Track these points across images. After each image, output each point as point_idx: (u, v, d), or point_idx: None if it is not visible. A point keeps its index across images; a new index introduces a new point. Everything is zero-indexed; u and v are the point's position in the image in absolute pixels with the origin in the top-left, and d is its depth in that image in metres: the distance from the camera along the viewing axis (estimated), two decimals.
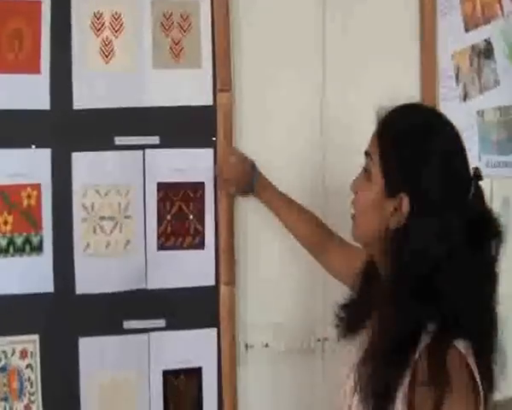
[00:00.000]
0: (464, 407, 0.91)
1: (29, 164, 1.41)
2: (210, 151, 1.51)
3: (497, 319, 0.98)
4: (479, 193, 0.96)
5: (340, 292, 1.21)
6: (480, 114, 1.71)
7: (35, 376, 1.44)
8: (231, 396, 1.55)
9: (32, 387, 1.44)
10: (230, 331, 1.54)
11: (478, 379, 0.92)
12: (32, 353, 1.44)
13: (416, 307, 0.93)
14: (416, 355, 0.92)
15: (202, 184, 1.51)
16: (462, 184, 0.96)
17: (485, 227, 0.95)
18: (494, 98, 1.73)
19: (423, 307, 0.93)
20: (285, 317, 1.57)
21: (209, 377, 1.54)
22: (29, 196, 1.41)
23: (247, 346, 1.58)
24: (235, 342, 1.55)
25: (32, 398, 1.44)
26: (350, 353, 1.12)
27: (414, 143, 0.97)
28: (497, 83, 1.73)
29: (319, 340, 1.61)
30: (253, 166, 1.50)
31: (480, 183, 0.98)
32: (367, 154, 1.03)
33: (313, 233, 1.46)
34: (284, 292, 1.60)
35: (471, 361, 0.92)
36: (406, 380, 0.92)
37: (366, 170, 1.03)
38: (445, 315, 0.93)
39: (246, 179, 1.49)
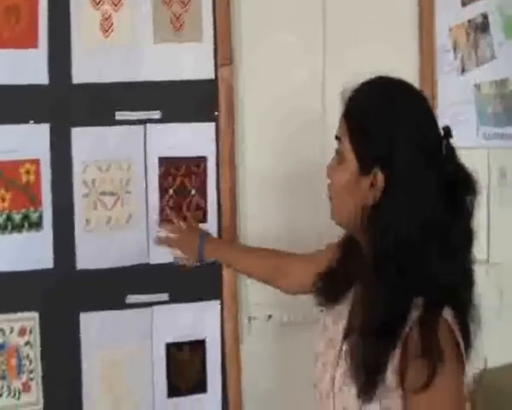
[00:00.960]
0: (455, 377, 0.93)
1: (27, 139, 1.38)
2: (212, 125, 1.50)
3: (474, 281, 0.99)
4: (450, 151, 0.96)
5: None
6: (477, 87, 1.73)
7: (34, 353, 1.43)
8: (235, 368, 1.57)
9: (30, 364, 1.43)
10: (234, 304, 1.56)
11: (462, 348, 0.95)
12: (31, 330, 1.43)
13: (401, 279, 0.93)
14: (407, 328, 0.93)
15: (204, 158, 1.51)
16: (433, 146, 0.96)
17: (460, 184, 0.96)
18: (490, 72, 1.75)
19: (409, 278, 0.93)
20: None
21: (213, 349, 1.56)
22: (28, 172, 1.39)
23: (250, 318, 1.59)
24: (239, 314, 1.57)
25: (31, 375, 1.43)
26: (324, 327, 1.14)
27: (379, 116, 0.97)
28: (493, 56, 1.75)
29: (322, 310, 1.63)
30: (202, 238, 1.45)
31: (451, 140, 0.97)
32: (337, 137, 1.03)
33: (269, 264, 1.42)
34: None
35: (456, 330, 0.94)
36: (397, 352, 0.93)
37: (338, 153, 1.02)
38: (429, 284, 0.94)
39: (194, 252, 1.45)
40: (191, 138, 1.49)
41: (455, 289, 0.96)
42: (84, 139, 1.41)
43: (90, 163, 1.43)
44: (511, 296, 1.81)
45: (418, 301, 0.94)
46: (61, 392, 1.45)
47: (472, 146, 1.66)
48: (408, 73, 1.68)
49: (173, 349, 1.53)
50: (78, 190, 1.42)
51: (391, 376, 0.93)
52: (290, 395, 1.64)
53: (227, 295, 1.55)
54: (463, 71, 1.72)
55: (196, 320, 1.55)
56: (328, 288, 1.14)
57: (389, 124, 0.96)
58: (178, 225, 1.48)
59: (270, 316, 1.62)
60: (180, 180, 1.50)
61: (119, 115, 1.43)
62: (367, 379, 0.94)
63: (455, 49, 1.70)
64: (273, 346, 1.63)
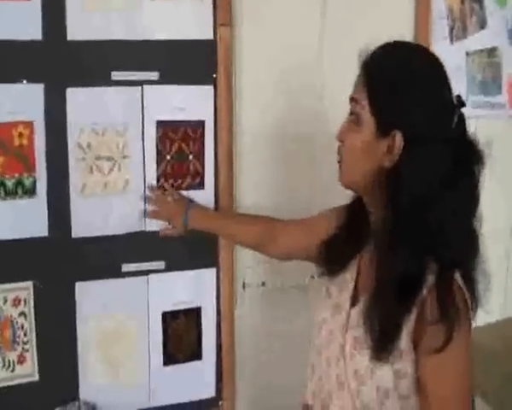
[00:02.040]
0: (466, 338, 0.97)
1: (20, 100, 1.30)
2: (210, 88, 1.45)
3: (480, 244, 1.02)
4: (462, 119, 0.99)
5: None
6: (469, 54, 1.75)
7: (29, 324, 1.39)
8: (230, 334, 1.57)
9: (25, 336, 1.39)
10: (229, 271, 1.55)
11: (470, 309, 0.98)
12: (25, 300, 1.38)
13: (418, 240, 0.95)
14: (424, 293, 0.96)
15: (202, 122, 1.46)
16: (448, 111, 0.98)
17: (470, 153, 0.98)
18: (481, 40, 1.77)
19: (424, 240, 0.95)
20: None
21: (208, 316, 1.55)
22: (21, 135, 1.31)
23: (244, 285, 1.59)
24: (233, 281, 1.56)
25: (26, 347, 1.39)
26: (328, 294, 1.15)
27: (401, 78, 0.97)
28: (484, 25, 1.76)
29: (312, 277, 1.64)
30: (188, 206, 1.44)
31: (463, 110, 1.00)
32: (353, 99, 1.02)
33: (257, 229, 1.41)
34: None
35: (466, 293, 0.98)
36: (412, 317, 0.96)
37: (354, 116, 1.02)
38: (443, 247, 0.96)
39: (178, 221, 1.43)
40: (189, 102, 1.44)
41: (465, 253, 0.98)
42: (79, 100, 1.34)
43: (85, 126, 1.36)
44: (495, 265, 1.88)
45: (432, 266, 0.96)
46: (56, 363, 1.42)
47: None
48: (403, 38, 1.69)
49: (169, 317, 1.51)
50: (74, 154, 1.36)
51: (405, 340, 0.96)
52: (284, 360, 1.67)
53: (223, 262, 1.54)
54: (456, 38, 1.73)
55: (192, 288, 1.53)
56: (333, 256, 1.14)
57: (409, 85, 0.97)
58: (162, 196, 1.44)
59: (263, 283, 1.62)
60: (178, 145, 1.45)
61: (116, 75, 1.36)
62: (382, 342, 0.97)
63: (449, 16, 1.70)
64: (266, 311, 1.64)
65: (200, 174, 1.48)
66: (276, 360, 1.66)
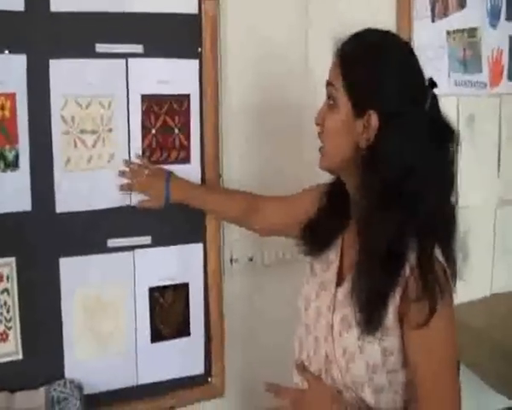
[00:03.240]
0: (451, 309, 1.01)
1: (2, 71, 1.28)
2: (195, 62, 1.45)
3: (457, 218, 1.06)
4: (435, 100, 1.02)
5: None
6: (449, 33, 1.77)
7: (12, 301, 1.36)
8: (218, 310, 1.56)
9: (8, 313, 1.36)
10: (216, 246, 1.54)
11: (451, 283, 1.02)
12: (8, 276, 1.35)
13: (396, 219, 0.98)
14: (407, 272, 0.99)
15: (188, 96, 1.46)
16: (421, 92, 1.01)
17: (444, 131, 1.02)
18: (462, 20, 1.81)
19: (401, 218, 0.98)
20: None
21: (195, 292, 1.54)
22: (2, 107, 1.29)
23: (231, 260, 1.59)
24: (221, 256, 1.56)
25: (9, 324, 1.36)
26: (313, 272, 1.19)
27: (374, 59, 1.02)
28: (464, 4, 1.79)
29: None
30: (168, 178, 1.42)
31: (435, 91, 1.03)
32: (329, 83, 1.06)
33: (240, 203, 1.42)
34: None
35: (446, 267, 1.01)
36: (397, 295, 0.99)
37: (330, 99, 1.06)
38: (422, 222, 0.99)
39: (159, 193, 1.41)
40: (174, 75, 1.44)
41: (443, 228, 1.02)
42: (63, 72, 1.32)
43: (69, 98, 1.34)
44: (478, 239, 1.91)
45: (412, 242, 1.00)
46: (41, 340, 1.39)
47: (444, 93, 1.71)
48: (385, 19, 1.72)
49: (156, 293, 1.50)
50: (57, 126, 1.34)
51: (391, 316, 1.00)
52: (272, 335, 1.66)
53: (210, 237, 1.53)
54: (437, 18, 1.76)
55: (179, 264, 1.52)
56: (316, 235, 1.17)
57: (382, 66, 1.01)
58: (138, 169, 1.42)
59: (251, 258, 1.62)
60: (163, 119, 1.44)
61: (100, 48, 1.35)
62: (369, 318, 0.99)
63: None
64: (254, 286, 1.64)
65: (185, 148, 1.48)
66: (264, 335, 1.66)
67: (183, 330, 1.54)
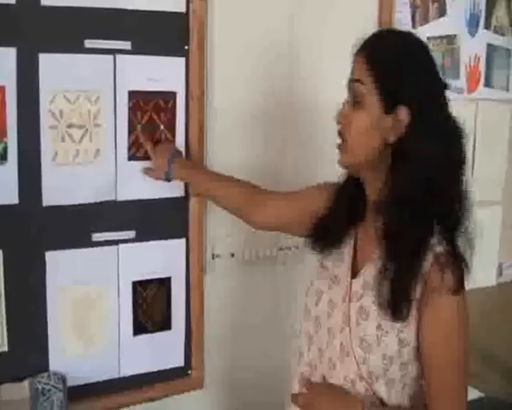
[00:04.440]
0: (465, 301, 1.05)
1: None
2: (182, 60, 1.48)
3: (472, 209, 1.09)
4: (448, 99, 1.08)
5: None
6: (429, 40, 1.82)
7: None
8: (199, 305, 1.59)
9: None
10: (199, 241, 1.57)
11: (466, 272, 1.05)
12: None
13: (425, 208, 1.02)
14: (430, 263, 1.02)
15: (174, 93, 1.48)
16: (442, 88, 1.06)
17: (457, 128, 1.06)
18: (441, 27, 1.86)
19: (430, 207, 1.02)
20: (250, 228, 1.60)
21: (177, 287, 1.57)
22: None
23: (213, 256, 1.61)
24: (203, 251, 1.58)
25: None
26: (323, 268, 1.20)
27: (402, 56, 1.05)
28: (444, 13, 1.85)
29: (281, 249, 1.69)
30: (171, 155, 1.44)
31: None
32: (354, 81, 1.07)
33: (244, 193, 1.42)
34: None
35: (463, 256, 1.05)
36: (419, 287, 1.02)
37: (356, 96, 1.07)
38: (444, 212, 1.04)
39: (161, 165, 1.45)
40: (161, 73, 1.46)
41: (462, 217, 1.05)
42: (52, 67, 1.33)
43: (57, 93, 1.35)
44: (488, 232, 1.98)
45: (436, 230, 1.04)
46: (26, 332, 1.40)
47: None
48: (367, 25, 1.75)
49: (139, 287, 1.53)
50: (46, 121, 1.35)
51: (414, 311, 1.03)
52: (252, 330, 1.71)
53: (193, 233, 1.56)
54: (418, 24, 1.81)
55: (162, 258, 1.55)
56: (328, 232, 1.18)
57: (410, 62, 1.04)
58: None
59: (232, 254, 1.65)
60: (149, 115, 1.46)
61: (89, 43, 1.36)
62: (395, 307, 1.02)
63: (412, 2, 1.79)
64: (235, 282, 1.67)
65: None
66: (244, 330, 1.70)
67: (164, 323, 1.57)
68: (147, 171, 1.47)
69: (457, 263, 1.02)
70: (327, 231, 1.18)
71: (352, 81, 1.08)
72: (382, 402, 1.07)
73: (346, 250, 1.16)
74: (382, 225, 1.06)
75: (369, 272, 1.09)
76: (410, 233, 1.02)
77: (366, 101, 1.05)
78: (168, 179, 1.45)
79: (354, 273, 1.13)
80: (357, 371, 1.07)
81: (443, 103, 1.05)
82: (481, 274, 2.03)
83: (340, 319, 1.11)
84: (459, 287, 1.01)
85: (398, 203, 1.03)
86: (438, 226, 1.05)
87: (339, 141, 1.11)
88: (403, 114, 1.02)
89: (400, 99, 1.03)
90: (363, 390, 1.07)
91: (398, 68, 1.04)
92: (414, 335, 1.05)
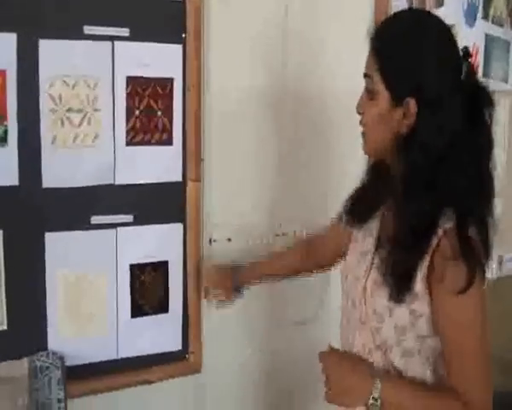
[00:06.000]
0: (482, 289, 1.04)
1: None
2: (179, 47, 1.51)
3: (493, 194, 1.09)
4: (470, 69, 1.06)
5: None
6: None
7: None
8: (196, 289, 1.62)
9: None
10: (196, 226, 1.60)
11: (484, 259, 1.04)
12: None
13: (432, 192, 1.03)
14: (438, 239, 1.02)
15: (171, 80, 1.51)
16: (456, 68, 1.05)
17: (480, 99, 1.05)
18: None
19: (439, 191, 1.03)
20: (247, 214, 1.63)
21: (175, 271, 1.60)
22: None
23: (211, 240, 1.64)
24: (200, 236, 1.61)
25: None
26: (355, 239, 1.26)
27: (407, 48, 1.05)
28: (442, 3, 1.86)
29: (277, 235, 1.71)
30: (234, 270, 1.58)
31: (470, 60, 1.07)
32: (366, 75, 1.10)
33: (294, 257, 1.55)
34: (247, 191, 1.68)
35: (479, 243, 1.04)
36: (426, 262, 1.04)
37: (368, 90, 1.10)
38: (458, 195, 1.03)
39: (228, 286, 1.58)
40: (158, 59, 1.49)
41: (479, 200, 1.05)
42: (51, 52, 1.37)
43: (57, 78, 1.39)
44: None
45: (449, 212, 1.03)
46: (25, 312, 1.43)
47: None
48: (364, 11, 1.78)
49: (137, 270, 1.55)
50: (45, 105, 1.39)
51: (419, 283, 1.05)
52: (249, 315, 1.73)
53: (190, 218, 1.59)
54: None
55: (160, 242, 1.57)
56: (360, 208, 1.24)
57: (417, 54, 1.03)
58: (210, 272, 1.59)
59: (229, 239, 1.67)
60: (147, 101, 1.50)
61: (88, 30, 1.40)
62: (398, 285, 1.05)
63: None
64: None
65: (168, 131, 1.53)
66: (242, 315, 1.72)
67: (161, 307, 1.59)
68: (220, 302, 1.61)
69: (468, 244, 1.01)
70: (358, 207, 1.24)
71: (364, 75, 1.11)
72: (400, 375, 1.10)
73: (374, 225, 1.21)
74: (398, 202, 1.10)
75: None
76: (413, 207, 1.03)
77: (377, 95, 1.08)
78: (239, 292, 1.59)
79: (379, 245, 1.18)
80: (372, 341, 1.13)
81: (457, 80, 1.04)
82: None
83: (360, 291, 1.17)
84: (474, 263, 0.99)
85: (406, 187, 1.06)
86: (451, 208, 1.04)
87: (361, 130, 1.14)
88: (411, 105, 1.04)
89: (407, 91, 1.04)
90: (380, 360, 1.12)
91: (403, 62, 1.04)
92: (427, 307, 1.06)
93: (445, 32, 1.07)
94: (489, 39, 2.00)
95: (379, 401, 1.05)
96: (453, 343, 1.05)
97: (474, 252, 1.00)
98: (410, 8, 1.10)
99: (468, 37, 1.96)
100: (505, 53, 2.05)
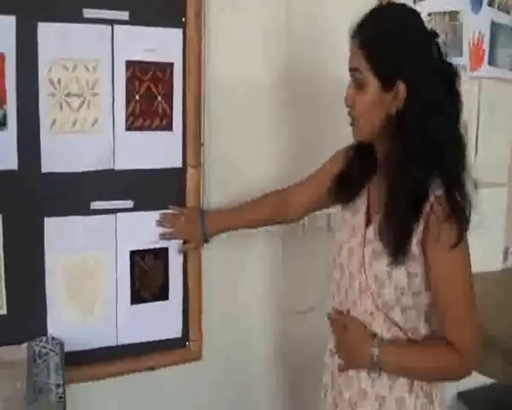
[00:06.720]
0: (468, 251, 1.17)
1: None
2: (179, 31, 1.50)
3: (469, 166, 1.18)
4: (438, 46, 1.17)
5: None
6: (431, 15, 1.82)
7: None
8: (196, 276, 1.61)
9: None
10: None
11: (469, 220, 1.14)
12: None
13: (423, 162, 1.12)
14: (430, 204, 1.13)
15: (171, 64, 1.50)
16: (430, 48, 1.15)
17: (451, 70, 1.16)
18: (443, 3, 1.85)
19: (429, 164, 1.13)
20: (245, 198, 1.61)
21: (175, 257, 1.59)
22: None
23: None
24: None
25: None
26: (344, 220, 1.33)
27: (392, 36, 1.14)
28: None
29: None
30: (201, 217, 1.55)
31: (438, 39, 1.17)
32: (353, 69, 1.18)
33: (271, 205, 1.56)
34: (245, 175, 1.67)
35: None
36: (420, 227, 1.14)
37: (357, 82, 1.17)
38: (446, 167, 1.13)
39: (197, 235, 1.55)
40: (158, 43, 1.48)
41: (459, 166, 1.15)
42: (51, 35, 1.36)
43: (56, 61, 1.38)
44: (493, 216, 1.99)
45: (437, 180, 1.14)
46: (24, 297, 1.43)
47: None
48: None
49: (137, 257, 1.55)
50: (44, 88, 1.38)
51: (415, 246, 1.15)
52: (250, 302, 1.72)
53: (189, 203, 1.58)
54: None
55: (160, 228, 1.55)
56: (346, 187, 1.32)
57: (401, 41, 1.13)
58: (174, 217, 1.54)
59: None
60: (147, 85, 1.49)
61: (87, 13, 1.39)
62: (396, 249, 1.15)
63: None
64: (234, 254, 1.69)
65: (168, 116, 1.52)
66: (242, 301, 1.72)
67: (162, 293, 1.59)
68: (186, 247, 1.57)
69: (457, 207, 1.11)
70: (345, 185, 1.32)
71: (350, 69, 1.18)
72: (399, 327, 1.22)
73: (361, 201, 1.30)
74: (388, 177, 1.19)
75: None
76: (409, 177, 1.13)
77: (366, 85, 1.16)
78: (207, 241, 1.55)
79: (368, 222, 1.27)
80: (373, 305, 1.22)
81: (431, 58, 1.14)
82: (486, 258, 2.04)
83: (358, 262, 1.25)
84: (464, 220, 1.11)
85: (398, 160, 1.15)
86: (439, 178, 1.14)
87: (350, 120, 1.22)
88: (401, 88, 1.13)
89: (396, 76, 1.12)
90: (382, 319, 1.22)
91: (387, 48, 1.13)
92: (421, 269, 1.17)
93: (419, 19, 1.19)
94: (495, 26, 1.98)
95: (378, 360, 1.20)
96: (447, 295, 1.17)
97: (463, 212, 1.12)
98: (388, 3, 1.20)
99: (474, 23, 1.94)
100: None
